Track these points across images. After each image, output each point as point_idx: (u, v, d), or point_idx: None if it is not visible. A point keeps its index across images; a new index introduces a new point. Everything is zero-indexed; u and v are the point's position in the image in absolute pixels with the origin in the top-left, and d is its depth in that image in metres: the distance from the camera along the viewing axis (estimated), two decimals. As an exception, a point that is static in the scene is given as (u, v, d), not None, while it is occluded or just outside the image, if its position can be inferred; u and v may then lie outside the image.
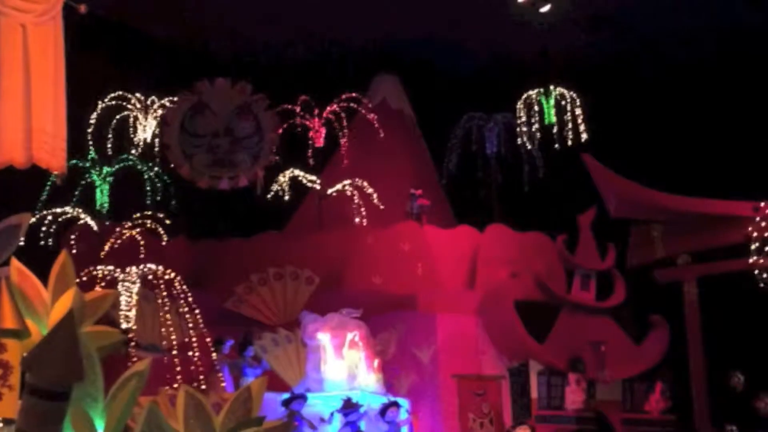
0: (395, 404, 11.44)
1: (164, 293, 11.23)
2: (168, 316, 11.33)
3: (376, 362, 12.27)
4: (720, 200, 13.61)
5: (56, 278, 6.83)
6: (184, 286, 11.21)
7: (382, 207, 15.00)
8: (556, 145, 15.80)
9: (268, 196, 15.17)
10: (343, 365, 11.87)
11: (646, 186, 14.12)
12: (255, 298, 13.80)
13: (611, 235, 14.56)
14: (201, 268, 14.66)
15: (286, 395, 11.29)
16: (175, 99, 14.83)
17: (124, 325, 10.88)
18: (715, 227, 13.61)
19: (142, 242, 12.35)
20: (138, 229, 12.24)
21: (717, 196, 13.66)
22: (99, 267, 10.94)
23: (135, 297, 11.02)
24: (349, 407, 10.96)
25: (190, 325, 11.22)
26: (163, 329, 11.29)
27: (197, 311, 11.54)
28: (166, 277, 11.16)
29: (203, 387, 10.82)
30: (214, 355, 11.26)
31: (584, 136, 15.78)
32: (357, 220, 14.95)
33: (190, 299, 11.26)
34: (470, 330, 13.37)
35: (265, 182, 14.96)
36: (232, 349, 12.12)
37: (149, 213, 12.60)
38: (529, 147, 16.06)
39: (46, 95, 7.85)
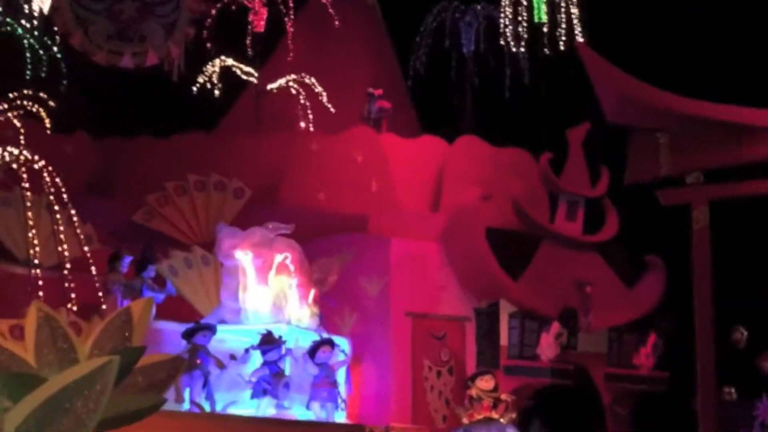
0: (328, 343, 10.33)
1: (28, 189, 9.89)
2: (30, 215, 10.07)
3: (312, 293, 11.08)
4: (745, 108, 12.38)
5: None
6: (58, 181, 9.81)
7: (332, 110, 14.37)
8: (546, 49, 14.89)
9: (194, 87, 14.16)
10: (267, 293, 10.69)
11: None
12: (170, 211, 12.78)
13: (606, 157, 13.79)
14: (106, 171, 13.71)
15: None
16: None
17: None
18: (737, 140, 12.44)
19: (22, 130, 10.80)
20: (15, 113, 10.84)
21: (740, 105, 12.44)
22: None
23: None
24: (267, 343, 9.84)
25: (62, 234, 9.99)
26: (31, 238, 10.06)
27: (74, 218, 10.35)
28: (37, 168, 9.78)
29: (74, 309, 9.67)
30: (93, 270, 9.93)
31: (579, 39, 14.91)
32: (302, 123, 14.28)
33: (64, 197, 9.93)
34: (431, 260, 12.58)
35: (190, 70, 13.71)
36: (132, 267, 11.04)
37: (30, 93, 11.20)
38: (513, 48, 15.15)
39: None
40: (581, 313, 12.67)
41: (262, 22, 14.24)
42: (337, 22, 14.58)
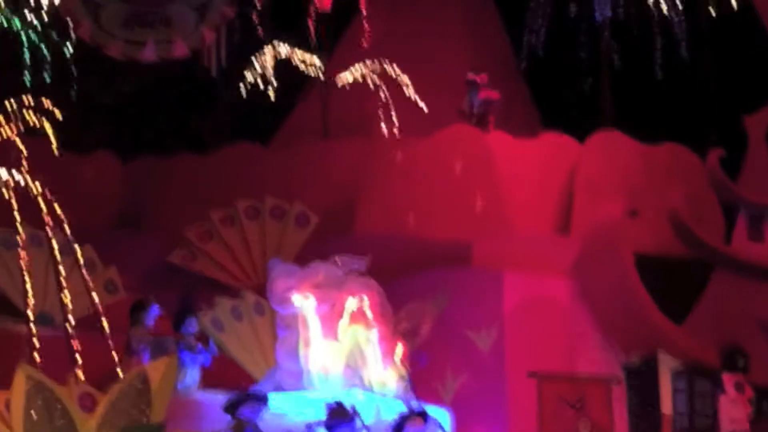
0: (420, 415, 9.93)
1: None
2: (34, 258, 10.29)
3: (398, 348, 10.88)
4: None
5: None
6: (58, 212, 9.95)
7: (422, 105, 14.64)
8: (711, 9, 14.60)
9: (242, 86, 14.47)
10: (338, 350, 10.62)
11: None
12: (215, 247, 13.23)
13: None
14: (135, 199, 14.32)
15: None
16: None
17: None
18: None
19: (23, 150, 11.11)
20: (14, 128, 10.90)
21: None
22: None
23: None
24: (337, 416, 9.58)
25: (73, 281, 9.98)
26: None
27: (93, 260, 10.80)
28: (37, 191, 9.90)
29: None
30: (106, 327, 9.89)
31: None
32: (383, 125, 14.56)
33: (67, 232, 9.98)
34: (559, 300, 12.50)
35: (236, 63, 14.12)
36: (161, 319, 11.15)
37: (33, 102, 11.16)
38: (665, 10, 14.84)
39: None
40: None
41: (329, -2, 14.65)
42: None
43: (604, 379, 12.35)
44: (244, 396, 9.73)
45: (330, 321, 10.67)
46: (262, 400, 9.71)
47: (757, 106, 13.69)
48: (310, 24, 14.60)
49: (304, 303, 10.52)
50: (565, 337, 12.40)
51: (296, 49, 14.56)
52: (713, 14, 14.76)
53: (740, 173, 13.44)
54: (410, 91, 14.33)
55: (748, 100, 13.72)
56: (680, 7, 14.88)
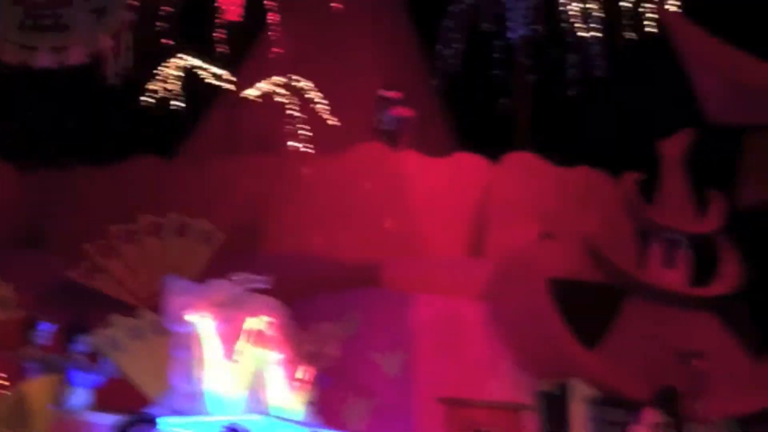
0: None
1: None
2: None
3: (301, 372, 10.93)
4: None
5: None
6: None
7: (332, 121, 14.73)
8: (628, 33, 14.78)
9: (146, 97, 14.45)
10: (237, 372, 10.51)
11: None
12: (115, 264, 13.15)
13: (717, 176, 14.02)
14: (35, 214, 14.28)
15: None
16: None
17: None
18: None
19: None
20: None
21: None
22: None
23: None
24: None
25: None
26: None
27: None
28: None
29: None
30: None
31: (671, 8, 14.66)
32: (291, 141, 14.61)
33: None
34: (470, 324, 12.68)
35: (140, 73, 13.98)
36: (57, 339, 11.04)
37: None
38: (579, 31, 15.06)
39: None
40: (687, 396, 12.34)
41: (238, 7, 14.39)
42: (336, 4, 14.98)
43: (515, 406, 12.48)
44: (134, 418, 9.49)
45: (229, 341, 10.54)
46: (152, 422, 9.49)
47: (672, 130, 13.97)
48: (218, 35, 14.50)
49: (201, 322, 10.42)
50: (476, 362, 12.48)
51: (202, 61, 14.59)
52: (631, 38, 14.87)
53: (654, 198, 13.77)
54: (319, 107, 14.42)
55: (664, 123, 14.07)
56: (597, 26, 14.93)
